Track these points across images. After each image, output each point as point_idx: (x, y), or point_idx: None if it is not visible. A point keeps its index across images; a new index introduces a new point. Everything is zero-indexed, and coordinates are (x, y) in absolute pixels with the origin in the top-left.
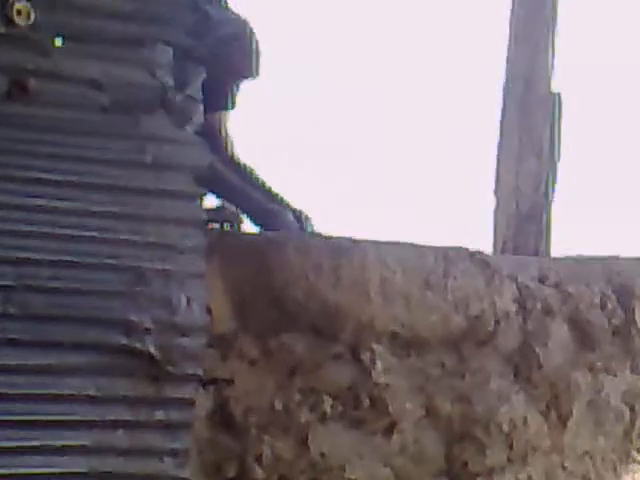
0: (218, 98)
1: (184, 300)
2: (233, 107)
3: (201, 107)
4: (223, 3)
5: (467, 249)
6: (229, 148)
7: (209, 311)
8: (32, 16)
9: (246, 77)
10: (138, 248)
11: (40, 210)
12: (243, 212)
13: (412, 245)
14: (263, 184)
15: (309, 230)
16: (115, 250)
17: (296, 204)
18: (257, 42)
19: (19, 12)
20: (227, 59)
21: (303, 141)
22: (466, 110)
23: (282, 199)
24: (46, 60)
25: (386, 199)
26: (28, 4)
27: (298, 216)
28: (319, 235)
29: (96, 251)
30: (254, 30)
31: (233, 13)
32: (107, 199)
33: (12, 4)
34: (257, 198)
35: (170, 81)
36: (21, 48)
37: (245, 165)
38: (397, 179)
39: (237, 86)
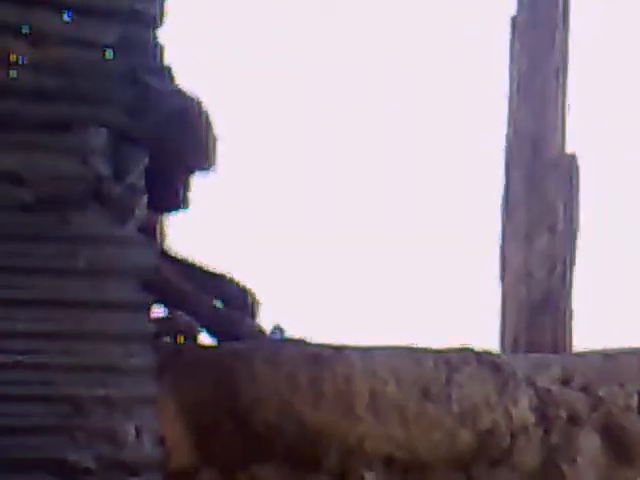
0: (166, 195)
1: (132, 431)
2: (186, 207)
3: (144, 198)
4: (167, 74)
5: (472, 350)
6: (162, 243)
7: (163, 442)
8: None
9: (199, 169)
10: (74, 372)
11: None
12: (198, 321)
13: (406, 349)
14: (206, 270)
15: (276, 337)
16: (46, 376)
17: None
18: (210, 122)
19: None
20: (174, 145)
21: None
22: (464, 177)
23: (232, 279)
24: None
25: (372, 294)
26: None
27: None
28: (293, 342)
29: (23, 379)
30: (205, 106)
31: (179, 86)
32: (34, 315)
33: None
34: (212, 304)
35: (105, 170)
36: None
37: (183, 258)
38: (382, 270)
39: (188, 180)
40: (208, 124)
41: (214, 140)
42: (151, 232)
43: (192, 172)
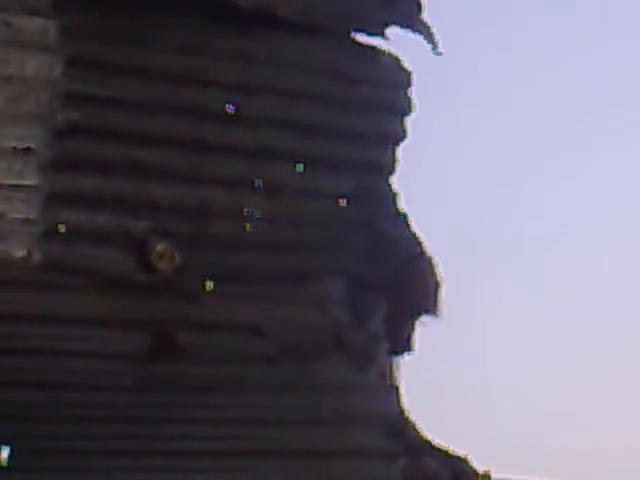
0: (397, 339)
1: None
2: (410, 350)
3: (384, 345)
4: (402, 220)
5: None
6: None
7: None
8: (176, 258)
9: (427, 313)
10: None
11: None
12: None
13: None
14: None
15: None
16: None
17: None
18: (436, 268)
19: (161, 255)
20: (406, 290)
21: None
22: None
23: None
24: (196, 307)
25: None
26: (170, 245)
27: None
28: None
29: None
30: (432, 255)
31: (412, 230)
32: (281, 467)
33: (152, 247)
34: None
35: (345, 317)
36: (166, 296)
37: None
38: None
39: (414, 324)
40: (435, 270)
41: (440, 285)
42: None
43: (419, 316)
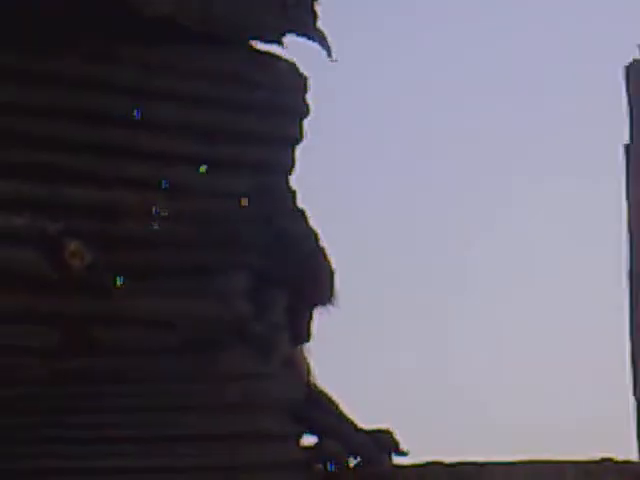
0: (295, 329)
1: None
2: (309, 340)
3: (286, 334)
4: (301, 217)
5: (612, 460)
6: (310, 379)
7: None
8: (87, 257)
9: (324, 304)
10: None
11: (116, 471)
12: (346, 448)
13: (547, 462)
14: (347, 418)
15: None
16: None
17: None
18: (330, 261)
19: (73, 254)
20: (304, 282)
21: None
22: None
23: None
24: (106, 303)
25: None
26: (81, 244)
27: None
28: (439, 463)
29: None
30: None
31: (309, 226)
32: (192, 451)
33: (64, 246)
34: (349, 431)
35: (247, 310)
36: (77, 293)
37: (329, 397)
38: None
39: (311, 315)
40: (330, 262)
41: (334, 276)
42: (294, 364)
43: (317, 307)
